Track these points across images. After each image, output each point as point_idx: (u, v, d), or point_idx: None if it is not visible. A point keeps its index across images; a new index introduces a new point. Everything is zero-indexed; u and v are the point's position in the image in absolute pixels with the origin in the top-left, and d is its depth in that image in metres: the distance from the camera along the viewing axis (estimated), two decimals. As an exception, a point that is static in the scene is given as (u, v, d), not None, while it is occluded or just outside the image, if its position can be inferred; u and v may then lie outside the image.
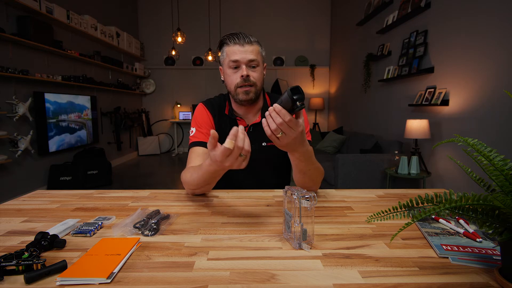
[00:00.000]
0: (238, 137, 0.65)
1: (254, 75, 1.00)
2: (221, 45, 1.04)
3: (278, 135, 0.70)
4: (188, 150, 1.04)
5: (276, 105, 0.68)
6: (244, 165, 0.69)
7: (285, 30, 6.48)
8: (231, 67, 1.00)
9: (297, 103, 0.65)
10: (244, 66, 0.98)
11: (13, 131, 3.06)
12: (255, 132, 1.07)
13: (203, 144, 1.00)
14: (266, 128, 0.71)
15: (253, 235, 0.65)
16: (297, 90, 0.65)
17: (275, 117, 0.68)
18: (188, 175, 0.88)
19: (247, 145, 0.66)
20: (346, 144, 4.21)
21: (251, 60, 0.98)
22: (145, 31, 6.46)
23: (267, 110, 0.70)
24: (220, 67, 1.09)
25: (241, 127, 0.66)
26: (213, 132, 0.65)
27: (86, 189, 1.02)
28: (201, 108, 1.10)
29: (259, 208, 0.82)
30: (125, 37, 5.46)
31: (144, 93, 6.49)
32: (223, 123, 1.08)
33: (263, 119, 0.71)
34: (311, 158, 0.84)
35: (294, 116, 0.69)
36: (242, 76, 0.98)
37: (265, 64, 1.07)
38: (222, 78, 1.08)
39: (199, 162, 0.96)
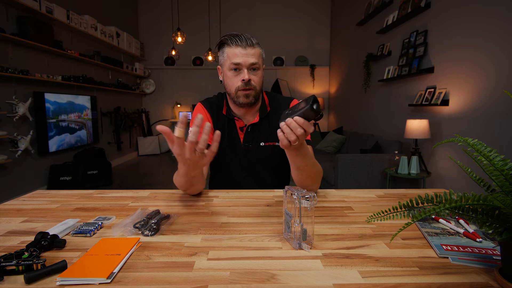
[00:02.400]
0: (191, 130, 0.60)
1: (255, 78, 1.00)
2: (221, 45, 1.02)
3: (295, 144, 0.68)
4: None
5: (298, 118, 0.65)
6: (204, 162, 0.66)
7: (285, 30, 6.47)
8: (232, 69, 0.99)
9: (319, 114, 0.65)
10: (245, 70, 0.97)
11: (13, 131, 3.06)
12: (254, 132, 1.07)
13: None
14: (284, 141, 0.67)
15: (253, 235, 0.64)
16: (316, 100, 0.64)
17: (295, 128, 0.65)
18: (175, 177, 0.87)
19: (202, 143, 0.62)
20: (346, 144, 4.21)
21: (253, 64, 0.98)
22: (145, 31, 6.46)
23: (283, 121, 0.67)
24: (218, 66, 1.08)
25: (201, 119, 0.60)
26: (159, 127, 0.60)
27: (86, 189, 1.02)
28: (199, 108, 1.09)
29: (259, 208, 0.82)
30: (125, 37, 5.46)
31: (144, 93, 6.49)
32: (221, 123, 1.08)
33: (278, 131, 0.68)
34: (308, 154, 0.82)
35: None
36: (243, 80, 0.97)
37: (264, 65, 1.07)
38: (221, 78, 1.07)
39: None
